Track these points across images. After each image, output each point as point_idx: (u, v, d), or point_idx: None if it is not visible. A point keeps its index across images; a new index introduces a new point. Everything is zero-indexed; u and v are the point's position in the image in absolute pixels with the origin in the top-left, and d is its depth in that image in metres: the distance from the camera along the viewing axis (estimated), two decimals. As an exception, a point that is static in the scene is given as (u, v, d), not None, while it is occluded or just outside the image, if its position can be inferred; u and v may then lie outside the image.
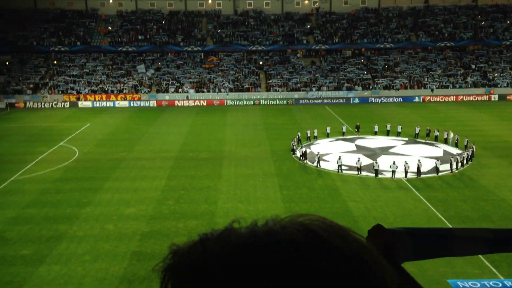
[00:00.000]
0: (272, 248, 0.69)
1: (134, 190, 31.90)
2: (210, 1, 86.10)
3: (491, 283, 19.69)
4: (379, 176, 34.17)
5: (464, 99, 67.92)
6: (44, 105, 67.34)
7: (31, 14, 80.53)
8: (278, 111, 61.92)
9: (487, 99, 68.17)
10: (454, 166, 35.14)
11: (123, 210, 28.54)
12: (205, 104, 68.05)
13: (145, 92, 69.92)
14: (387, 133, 46.48)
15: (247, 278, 0.66)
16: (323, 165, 36.82)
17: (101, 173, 35.74)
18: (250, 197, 30.50)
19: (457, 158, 35.98)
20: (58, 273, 21.45)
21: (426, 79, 72.04)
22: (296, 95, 69.15)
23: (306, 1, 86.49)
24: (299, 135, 43.63)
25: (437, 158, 36.33)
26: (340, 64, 77.24)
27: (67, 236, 25.12)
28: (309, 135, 45.16)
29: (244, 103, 67.92)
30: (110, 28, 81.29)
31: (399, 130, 46.19)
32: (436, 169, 34.67)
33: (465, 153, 37.43)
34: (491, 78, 71.72)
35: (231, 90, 70.24)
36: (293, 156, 39.73)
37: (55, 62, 76.44)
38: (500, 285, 19.59)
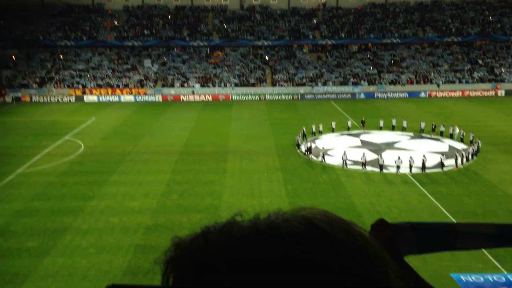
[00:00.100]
0: (274, 242, 0.69)
1: (139, 184, 32.03)
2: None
3: (494, 277, 19.65)
4: (384, 171, 34.10)
5: (471, 94, 67.52)
6: (50, 99, 67.63)
7: (37, 9, 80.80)
8: (283, 106, 61.86)
9: (493, 94, 67.75)
10: (459, 161, 35.00)
11: (128, 203, 28.67)
12: (210, 99, 68.08)
13: (150, 86, 70.04)
14: (393, 128, 46.33)
15: (250, 271, 0.66)
16: (327, 160, 36.78)
17: (106, 167, 35.89)
18: (254, 191, 30.54)
19: (462, 153, 35.83)
20: (63, 265, 21.61)
21: (432, 74, 71.67)
22: (301, 90, 69.02)
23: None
24: (304, 130, 43.58)
25: (442, 153, 36.20)
26: (346, 59, 76.98)
27: (72, 229, 25.28)
28: (314, 130, 45.09)
29: (250, 98, 67.89)
30: (116, 22, 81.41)
31: (405, 125, 46.03)
32: (441, 164, 34.55)
33: (471, 148, 37.27)
34: (498, 73, 71.23)
35: (236, 85, 70.21)
36: (298, 151, 39.71)
37: (61, 56, 76.71)
38: (504, 279, 19.54)
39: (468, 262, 20.90)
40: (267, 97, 67.88)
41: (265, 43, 78.57)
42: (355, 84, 70.11)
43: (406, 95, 67.70)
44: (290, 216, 0.74)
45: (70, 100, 67.34)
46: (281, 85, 70.00)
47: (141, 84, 70.37)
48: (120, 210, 27.65)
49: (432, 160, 35.53)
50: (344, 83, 70.36)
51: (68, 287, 19.93)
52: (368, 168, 34.70)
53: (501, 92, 67.80)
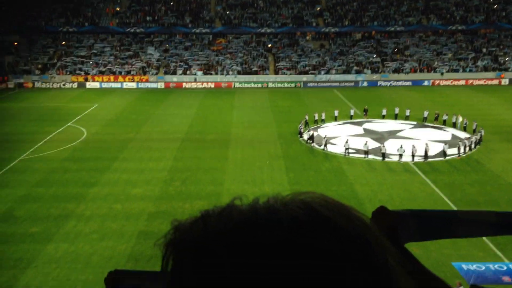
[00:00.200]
0: (273, 226, 0.69)
1: (141, 171, 32.11)
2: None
3: (495, 266, 19.73)
4: (386, 159, 34.09)
5: (474, 83, 67.20)
6: (52, 85, 67.55)
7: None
8: (286, 94, 61.70)
9: (497, 83, 67.41)
10: (462, 150, 34.96)
11: (130, 190, 28.78)
12: (213, 86, 67.90)
13: (153, 73, 69.88)
14: (395, 117, 46.22)
15: (249, 255, 0.66)
16: (330, 148, 36.77)
17: (108, 154, 35.96)
18: (256, 179, 30.59)
19: (465, 142, 35.78)
20: (66, 251, 21.76)
21: (436, 62, 71.29)
22: (304, 78, 68.77)
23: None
24: (307, 118, 43.50)
25: (445, 142, 36.15)
26: (349, 47, 76.56)
27: (75, 215, 25.42)
28: (316, 118, 45.00)
29: (252, 85, 67.69)
30: (118, 8, 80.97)
31: (408, 114, 45.90)
32: (443, 153, 34.51)
33: (473, 137, 37.19)
34: (502, 62, 70.83)
35: (239, 72, 69.96)
36: (300, 139, 39.69)
37: (63, 42, 76.46)
38: (505, 268, 19.62)
39: (470, 251, 20.97)
40: (270, 85, 67.68)
41: (268, 31, 78.15)
42: (358, 72, 69.80)
43: (409, 83, 67.41)
44: (289, 200, 0.74)
45: (72, 87, 67.26)
46: (284, 73, 69.74)
47: (143, 71, 70.20)
48: (123, 197, 27.76)
49: (435, 149, 35.49)
50: (347, 71, 70.06)
51: (71, 272, 20.09)
52: (370, 156, 34.69)
53: (505, 81, 67.45)
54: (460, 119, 42.72)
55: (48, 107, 53.87)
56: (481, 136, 37.63)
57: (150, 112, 50.85)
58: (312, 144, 37.64)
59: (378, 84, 67.74)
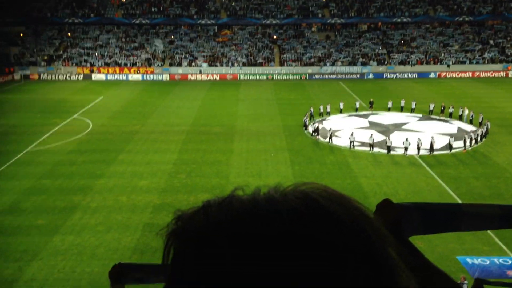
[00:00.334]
0: (273, 217, 0.69)
1: (147, 163, 32.21)
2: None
3: (500, 260, 19.70)
4: (391, 152, 34.00)
5: (481, 75, 66.75)
6: (58, 77, 67.69)
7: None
8: (291, 86, 61.54)
9: (504, 75, 66.92)
10: (467, 143, 34.80)
11: (136, 182, 28.89)
12: (218, 78, 67.82)
13: (158, 65, 69.86)
14: (401, 109, 46.03)
15: (251, 246, 0.66)
16: (335, 141, 36.70)
17: (114, 146, 36.08)
18: (261, 171, 30.62)
19: (471, 135, 35.61)
20: (72, 243, 21.91)
21: (442, 54, 70.83)
22: (309, 70, 68.55)
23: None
24: (312, 111, 43.40)
25: (451, 135, 36.00)
26: (355, 38, 76.15)
27: (81, 207, 25.56)
28: (322, 110, 44.89)
29: (257, 77, 67.56)
30: None
31: (414, 106, 45.70)
32: (449, 146, 34.38)
33: (480, 130, 37.00)
34: (509, 54, 70.26)
35: (244, 64, 69.82)
36: (305, 131, 39.63)
37: (69, 34, 76.50)
38: (510, 262, 19.58)
39: (474, 245, 20.94)
40: (275, 77, 67.52)
41: (273, 22, 77.82)
42: (364, 64, 69.48)
43: (415, 75, 67.06)
44: (290, 191, 0.74)
45: (78, 78, 67.39)
46: (289, 65, 69.53)
47: (148, 63, 70.19)
48: (128, 189, 27.87)
49: (441, 142, 35.35)
50: (353, 63, 69.75)
51: (77, 264, 20.24)
52: (376, 149, 34.61)
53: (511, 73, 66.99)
54: (467, 111, 42.49)
55: (54, 99, 54.01)
56: (487, 129, 37.43)
57: (155, 104, 50.90)
58: (317, 137, 37.58)
59: (384, 76, 67.42)
